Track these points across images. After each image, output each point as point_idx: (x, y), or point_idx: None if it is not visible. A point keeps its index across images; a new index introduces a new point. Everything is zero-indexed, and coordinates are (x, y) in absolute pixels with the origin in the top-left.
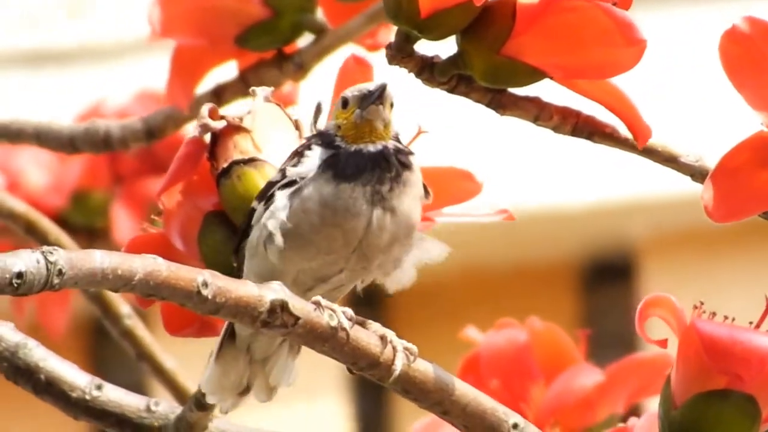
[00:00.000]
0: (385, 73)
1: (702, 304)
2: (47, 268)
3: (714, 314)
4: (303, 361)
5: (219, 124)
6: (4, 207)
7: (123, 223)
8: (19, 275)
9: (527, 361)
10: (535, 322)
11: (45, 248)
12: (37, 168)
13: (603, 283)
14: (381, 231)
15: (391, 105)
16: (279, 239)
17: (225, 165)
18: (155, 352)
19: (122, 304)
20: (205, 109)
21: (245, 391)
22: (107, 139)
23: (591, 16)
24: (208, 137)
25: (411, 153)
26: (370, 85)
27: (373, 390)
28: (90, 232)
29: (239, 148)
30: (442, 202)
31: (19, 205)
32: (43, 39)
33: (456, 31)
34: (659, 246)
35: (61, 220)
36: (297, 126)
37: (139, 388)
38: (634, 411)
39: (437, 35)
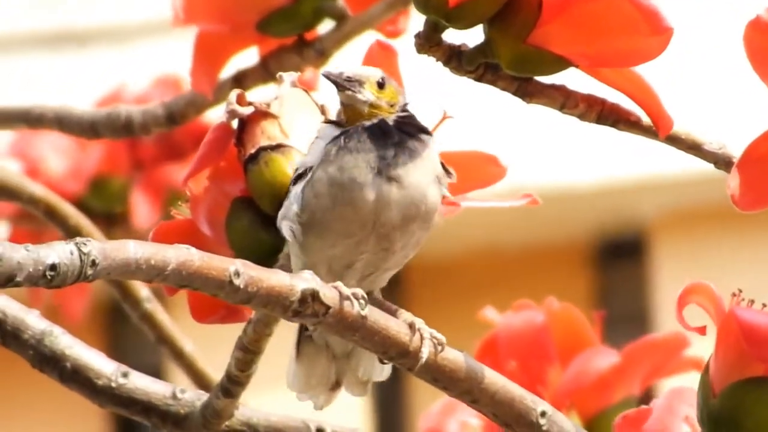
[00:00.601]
0: (408, 58)
1: (740, 291)
2: (81, 260)
3: (752, 302)
4: None
5: (246, 110)
6: (24, 191)
7: (142, 208)
8: (53, 267)
9: (545, 343)
10: (552, 303)
11: (78, 239)
12: (56, 154)
13: (615, 261)
14: (389, 204)
15: (381, 83)
16: (298, 233)
17: (252, 151)
18: (174, 336)
19: (141, 288)
20: (233, 95)
21: (336, 386)
22: (128, 125)
23: (617, 4)
24: (235, 123)
25: (418, 124)
26: (337, 69)
27: (391, 376)
28: (109, 217)
29: (266, 133)
30: (467, 186)
31: (39, 190)
32: (63, 21)
33: (483, 20)
34: (670, 223)
35: (80, 206)
36: (323, 111)
37: (158, 371)
38: (650, 392)
39: (465, 24)
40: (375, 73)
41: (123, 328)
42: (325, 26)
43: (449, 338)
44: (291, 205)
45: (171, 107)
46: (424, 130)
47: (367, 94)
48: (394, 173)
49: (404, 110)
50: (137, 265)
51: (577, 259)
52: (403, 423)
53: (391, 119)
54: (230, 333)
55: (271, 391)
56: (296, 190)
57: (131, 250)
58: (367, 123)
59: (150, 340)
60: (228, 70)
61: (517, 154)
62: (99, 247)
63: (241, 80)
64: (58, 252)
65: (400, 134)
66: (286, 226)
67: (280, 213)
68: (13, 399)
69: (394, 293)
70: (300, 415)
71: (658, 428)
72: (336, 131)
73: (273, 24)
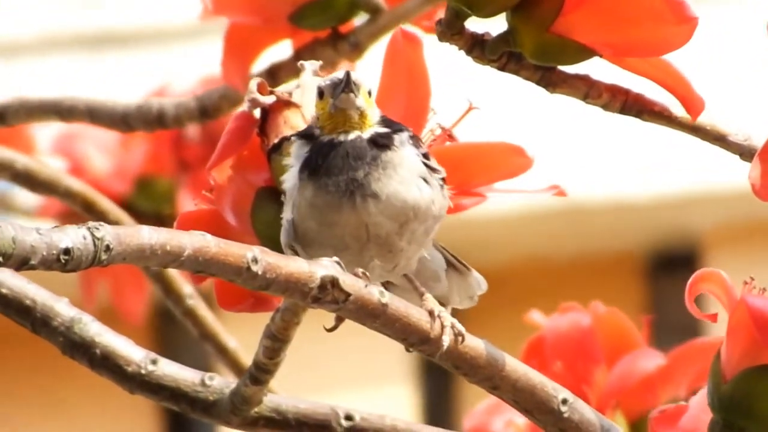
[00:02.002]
0: (435, 50)
1: (752, 279)
2: (94, 244)
3: (764, 290)
4: (369, 346)
5: (268, 99)
6: (60, 185)
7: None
8: (67, 251)
9: (590, 345)
10: (598, 307)
11: (91, 224)
12: (100, 153)
13: (668, 273)
14: (373, 219)
15: (369, 93)
16: (301, 251)
17: (275, 140)
18: (217, 332)
19: (184, 285)
20: (254, 84)
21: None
22: (161, 117)
23: None
24: (257, 112)
25: (394, 134)
26: (340, 74)
27: (439, 373)
28: (156, 218)
29: (289, 123)
30: (493, 177)
31: (75, 184)
32: (105, 21)
33: (506, 9)
34: (724, 236)
35: (127, 207)
36: None
37: (204, 368)
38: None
39: (487, 12)
40: (366, 81)
41: (171, 328)
42: (361, 19)
43: (502, 345)
44: (286, 231)
45: (204, 100)
46: (400, 135)
47: (361, 100)
48: (369, 191)
49: (381, 121)
50: (152, 250)
51: (629, 271)
52: (451, 419)
53: (367, 134)
54: None
55: (327, 389)
56: (286, 216)
57: (146, 235)
58: (342, 138)
59: (194, 336)
60: (262, 63)
61: (570, 166)
62: (112, 232)
63: (275, 73)
64: (71, 236)
65: (374, 150)
66: (290, 250)
67: (282, 240)
68: (65, 398)
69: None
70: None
71: (693, 425)
72: (306, 148)
73: (306, 16)
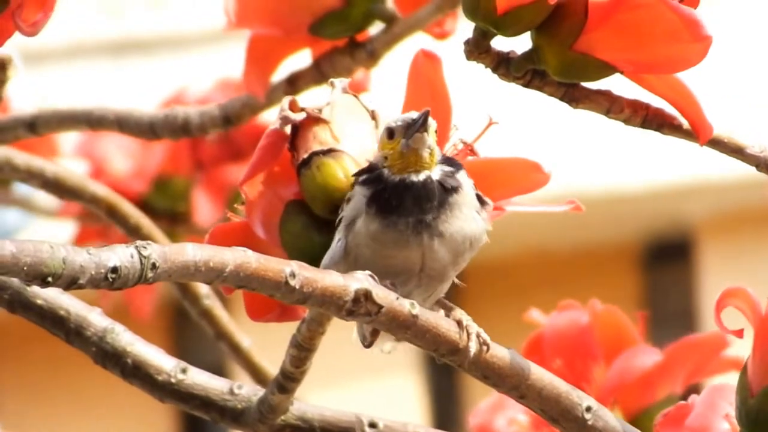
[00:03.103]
0: (453, 63)
1: None
2: (141, 262)
3: None
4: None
5: (299, 116)
6: (86, 191)
7: (204, 207)
8: (114, 270)
9: (589, 342)
10: (596, 304)
11: (138, 243)
12: (120, 154)
13: (662, 263)
14: (434, 255)
15: (435, 131)
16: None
17: (305, 156)
18: (232, 331)
19: (200, 285)
20: (286, 101)
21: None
22: (186, 126)
23: (659, 12)
24: (288, 128)
25: (457, 173)
26: (413, 114)
27: (447, 369)
28: (172, 216)
29: (318, 139)
30: (511, 191)
31: (100, 189)
32: (126, 29)
33: (531, 28)
34: (717, 226)
35: (143, 205)
36: (374, 116)
37: (219, 367)
38: (692, 390)
39: (513, 32)
40: (433, 120)
41: (185, 327)
42: (376, 28)
43: (501, 337)
44: (335, 252)
45: (227, 109)
46: (461, 171)
47: (431, 139)
48: (437, 231)
49: (445, 161)
50: (196, 267)
51: (625, 262)
52: (458, 417)
53: (435, 174)
54: (286, 329)
55: (326, 387)
56: (337, 237)
57: (190, 253)
58: (414, 179)
59: (209, 337)
60: (282, 72)
61: (566, 158)
62: (159, 250)
63: (295, 82)
64: (119, 255)
65: (443, 192)
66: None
67: (325, 261)
68: (82, 398)
69: (449, 292)
70: (354, 406)
71: (698, 425)
72: (378, 180)
73: (325, 26)
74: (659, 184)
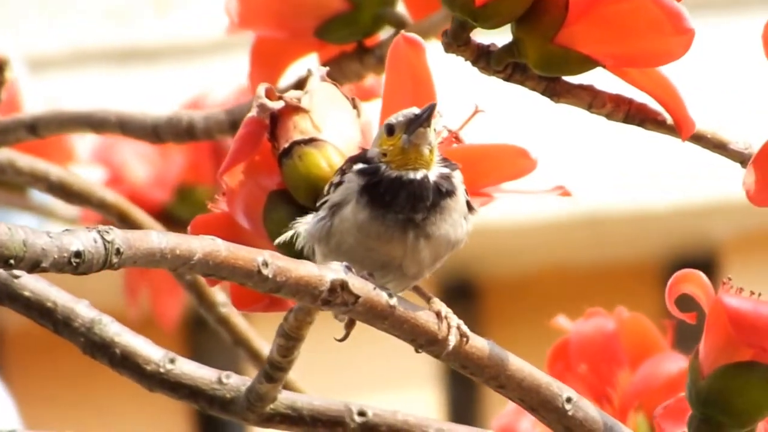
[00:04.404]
0: (438, 57)
1: (730, 279)
2: (105, 247)
3: (741, 289)
4: (394, 350)
5: (277, 105)
6: (93, 196)
7: None
8: (78, 254)
9: (614, 348)
10: (622, 312)
11: (101, 227)
12: (139, 162)
13: None
14: (417, 255)
15: (436, 129)
16: (322, 249)
17: (286, 145)
18: (251, 338)
19: (217, 292)
20: (262, 89)
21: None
22: (190, 129)
23: (641, 5)
24: (267, 118)
25: (454, 174)
26: (415, 109)
27: (465, 381)
28: None
29: (299, 128)
30: (498, 178)
31: (109, 195)
32: (131, 36)
33: (511, 20)
34: (741, 245)
35: (166, 214)
36: (355, 105)
37: (238, 373)
38: None
39: (492, 24)
40: (439, 116)
41: (203, 335)
42: (386, 33)
43: (523, 353)
44: (319, 229)
45: (234, 113)
46: (457, 174)
47: (432, 136)
48: (423, 232)
49: (442, 160)
50: (162, 254)
51: (648, 280)
52: (476, 423)
53: (432, 174)
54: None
55: (351, 393)
56: (320, 215)
57: (155, 240)
58: (411, 176)
59: (227, 343)
60: (288, 77)
61: (590, 176)
62: (122, 235)
63: (301, 87)
64: (82, 239)
65: (437, 194)
66: (312, 244)
67: (308, 230)
68: (98, 400)
69: (470, 308)
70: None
71: None
72: (374, 173)
73: (332, 30)
74: (683, 202)
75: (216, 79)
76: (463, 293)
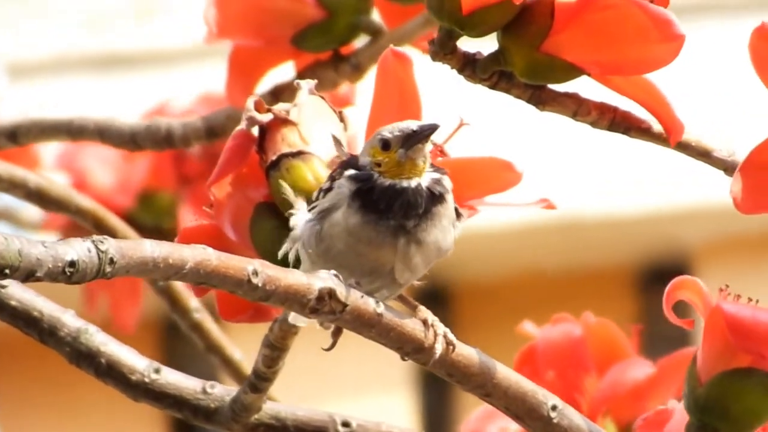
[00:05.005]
0: (428, 67)
1: (727, 287)
2: (99, 257)
3: (738, 296)
4: (370, 356)
5: (265, 117)
6: (71, 202)
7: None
8: (72, 264)
9: (581, 354)
10: (589, 317)
11: (95, 237)
12: (103, 168)
13: (659, 286)
14: (408, 261)
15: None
16: (308, 262)
17: (274, 158)
18: (223, 344)
19: (191, 299)
20: (251, 102)
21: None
22: (169, 137)
23: (628, 12)
24: (255, 130)
25: (443, 178)
26: (412, 124)
27: (438, 382)
28: (158, 232)
29: (287, 141)
30: (483, 191)
31: (86, 202)
32: (110, 43)
33: (497, 29)
34: (714, 251)
35: (128, 220)
36: (342, 118)
37: (211, 379)
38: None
39: (478, 32)
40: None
41: (174, 340)
42: (361, 41)
43: (496, 357)
44: (309, 233)
45: (211, 121)
46: (446, 180)
47: (426, 149)
48: (414, 238)
49: (432, 168)
50: (155, 263)
51: (621, 285)
52: (449, 428)
53: (425, 181)
54: None
55: (327, 398)
56: (308, 217)
57: (148, 249)
58: (405, 184)
59: (200, 349)
60: (265, 85)
61: (564, 181)
62: (116, 245)
63: (278, 95)
64: (77, 249)
65: (429, 201)
66: (303, 249)
67: (298, 234)
68: (77, 407)
69: (443, 314)
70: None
71: (677, 431)
72: (367, 181)
73: (308, 39)
74: (657, 208)
75: (192, 85)
76: (436, 298)
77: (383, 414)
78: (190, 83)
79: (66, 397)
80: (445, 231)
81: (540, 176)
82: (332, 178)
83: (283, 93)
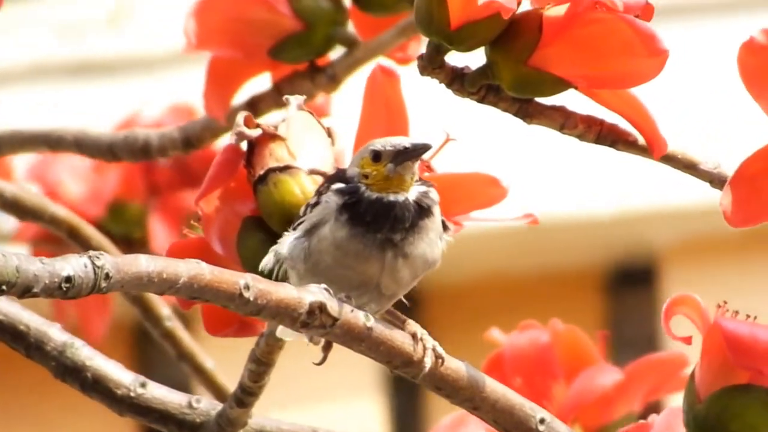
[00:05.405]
0: (411, 84)
1: (725, 303)
2: (95, 272)
3: (737, 313)
4: (339, 360)
5: (254, 132)
6: (46, 212)
7: (160, 233)
8: (68, 279)
9: (549, 361)
10: (556, 324)
11: (92, 253)
12: (74, 178)
13: (626, 288)
14: (396, 274)
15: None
16: (296, 277)
17: (261, 172)
18: (195, 352)
19: (162, 307)
20: (241, 117)
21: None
22: (146, 148)
23: (615, 27)
24: (244, 145)
25: (430, 191)
26: (405, 141)
27: (408, 388)
28: (128, 242)
29: (275, 155)
30: (469, 206)
31: (60, 211)
32: (83, 50)
33: (485, 43)
34: (681, 252)
35: (99, 230)
36: (330, 134)
37: (181, 387)
38: (652, 409)
39: (467, 47)
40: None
41: (147, 347)
42: (337, 52)
43: (464, 359)
44: (298, 252)
45: (187, 131)
46: (433, 193)
47: (416, 166)
48: (401, 252)
49: (419, 182)
50: (149, 278)
51: (589, 286)
52: (420, 431)
53: (412, 195)
54: (247, 349)
55: (287, 408)
56: (296, 235)
57: (143, 264)
58: (392, 198)
59: (172, 357)
60: (242, 96)
61: (530, 183)
62: (112, 260)
63: (255, 105)
64: (73, 265)
65: (416, 214)
66: (292, 268)
67: (286, 252)
68: (51, 418)
69: (411, 316)
70: (314, 425)
71: None
72: (354, 194)
73: (285, 50)
74: (623, 210)
75: (168, 92)
76: (402, 302)
77: (352, 419)
78: (164, 90)
79: (43, 407)
80: (432, 244)
81: (506, 177)
82: (319, 193)
83: (260, 103)
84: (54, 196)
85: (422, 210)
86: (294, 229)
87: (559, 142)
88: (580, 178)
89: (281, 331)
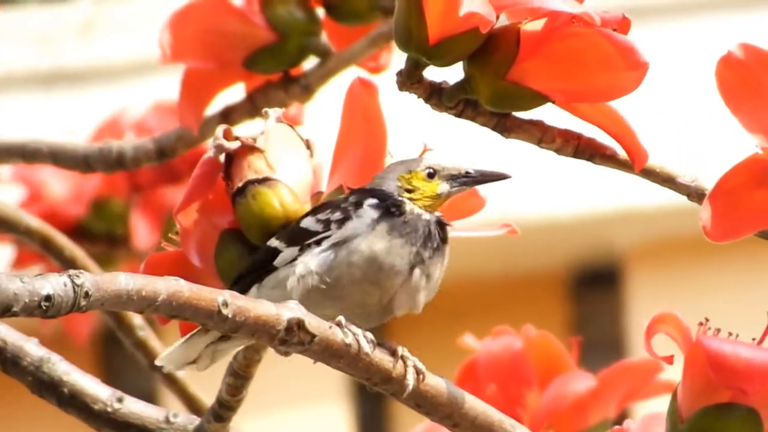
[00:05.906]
0: (388, 93)
1: (707, 321)
2: (74, 291)
3: (718, 331)
4: (304, 367)
5: (233, 145)
6: (20, 223)
7: (141, 230)
8: (48, 298)
9: (523, 368)
10: (529, 330)
11: (72, 272)
12: (57, 179)
13: (591, 290)
14: (416, 292)
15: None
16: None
17: (240, 184)
18: None
19: (135, 317)
20: (220, 130)
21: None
22: (120, 159)
23: (593, 41)
24: (222, 157)
25: (448, 225)
26: (461, 165)
27: (375, 395)
28: (110, 239)
29: (253, 167)
30: (449, 216)
31: (34, 222)
32: (55, 60)
33: (463, 58)
34: (646, 254)
35: (81, 228)
36: (308, 146)
37: (151, 396)
38: (625, 414)
39: (445, 62)
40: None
41: (118, 355)
42: (310, 63)
43: (431, 364)
44: (325, 262)
45: (161, 142)
46: (449, 225)
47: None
48: (427, 270)
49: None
50: (128, 296)
51: (555, 288)
52: None
53: (438, 222)
54: (219, 362)
55: (256, 415)
56: (321, 252)
57: (123, 282)
58: (427, 217)
59: (142, 366)
60: (216, 106)
61: (497, 185)
62: (91, 279)
63: (229, 115)
64: (53, 284)
65: (439, 239)
66: (305, 280)
67: (312, 269)
68: (14, 425)
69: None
70: None
71: None
72: (390, 207)
73: (259, 61)
74: (588, 211)
75: (140, 100)
76: None
77: (318, 426)
78: (136, 98)
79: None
80: (444, 267)
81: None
82: (344, 209)
83: (233, 113)
84: (38, 196)
85: (444, 234)
86: (307, 245)
87: (522, 146)
88: (544, 181)
89: (168, 359)
